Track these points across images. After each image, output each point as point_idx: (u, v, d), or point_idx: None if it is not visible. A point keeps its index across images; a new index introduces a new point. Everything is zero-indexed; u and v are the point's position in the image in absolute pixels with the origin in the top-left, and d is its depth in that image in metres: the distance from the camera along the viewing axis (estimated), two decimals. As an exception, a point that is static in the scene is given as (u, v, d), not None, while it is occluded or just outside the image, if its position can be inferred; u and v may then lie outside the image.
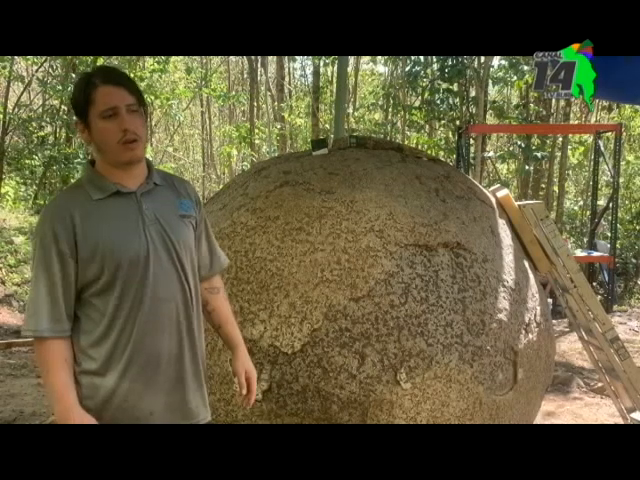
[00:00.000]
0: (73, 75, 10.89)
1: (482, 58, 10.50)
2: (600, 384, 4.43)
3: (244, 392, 1.73)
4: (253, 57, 14.21)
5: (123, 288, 1.53)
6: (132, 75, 10.45)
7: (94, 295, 1.55)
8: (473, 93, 11.34)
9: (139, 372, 1.55)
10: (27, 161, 11.65)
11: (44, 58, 10.93)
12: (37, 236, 1.54)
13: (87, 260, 1.52)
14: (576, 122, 13.39)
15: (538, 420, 3.27)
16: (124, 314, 1.54)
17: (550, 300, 5.76)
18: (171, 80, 15.84)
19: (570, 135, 12.86)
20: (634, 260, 11.34)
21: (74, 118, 1.61)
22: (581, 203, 14.24)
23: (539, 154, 10.36)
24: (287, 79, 17.13)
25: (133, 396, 1.55)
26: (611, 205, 7.94)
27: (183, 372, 1.63)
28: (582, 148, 13.12)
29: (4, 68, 10.53)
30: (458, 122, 10.70)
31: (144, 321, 1.55)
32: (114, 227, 1.54)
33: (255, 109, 16.17)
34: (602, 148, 8.18)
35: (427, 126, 13.49)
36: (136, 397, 1.56)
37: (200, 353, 1.70)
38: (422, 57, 10.83)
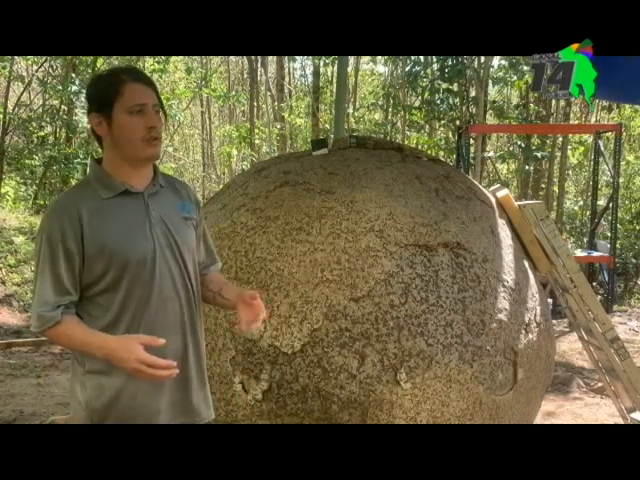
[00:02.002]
0: (73, 75, 10.90)
1: (482, 58, 10.50)
2: (600, 384, 4.43)
3: (256, 299, 1.59)
4: (253, 57, 14.21)
5: (129, 287, 1.54)
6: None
7: (98, 294, 1.55)
8: (473, 93, 11.34)
9: None
10: (27, 161, 11.66)
11: (44, 58, 10.93)
12: (43, 232, 1.53)
13: (93, 258, 1.52)
14: (576, 122, 13.39)
15: (538, 420, 3.27)
16: (130, 313, 1.54)
17: (550, 300, 5.75)
18: (171, 80, 15.86)
19: (570, 135, 12.86)
20: (634, 260, 11.34)
21: (88, 112, 1.59)
22: (581, 203, 14.24)
23: (539, 154, 10.36)
24: (287, 79, 17.13)
25: (141, 395, 1.56)
26: (611, 205, 7.94)
27: (188, 370, 1.64)
28: (582, 148, 13.13)
29: (4, 68, 10.53)
30: (458, 122, 10.70)
31: (151, 320, 1.56)
32: (122, 226, 1.55)
33: (255, 109, 16.17)
34: (602, 148, 8.17)
35: (427, 126, 13.49)
36: (144, 396, 1.56)
37: (203, 352, 1.72)
38: (422, 57, 10.83)
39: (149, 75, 1.72)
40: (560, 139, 12.94)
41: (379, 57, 14.51)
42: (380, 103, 14.31)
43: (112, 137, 1.57)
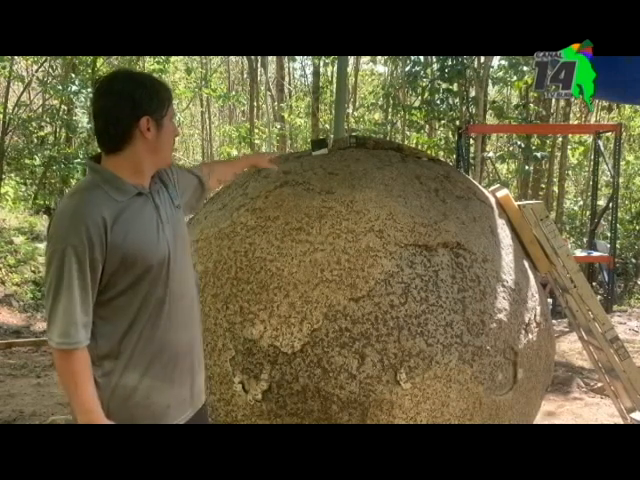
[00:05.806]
0: (73, 75, 10.90)
1: (482, 58, 10.51)
2: (600, 384, 4.43)
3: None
4: (253, 57, 14.21)
5: (149, 289, 1.53)
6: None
7: (115, 297, 1.52)
8: (473, 93, 11.34)
9: (161, 369, 1.57)
10: (27, 161, 11.67)
11: (44, 58, 10.94)
12: (66, 242, 1.42)
13: (113, 264, 1.48)
14: (576, 122, 13.40)
15: (538, 420, 3.26)
16: (146, 314, 1.54)
17: (550, 300, 5.76)
18: (171, 80, 15.86)
19: (570, 135, 12.87)
20: (634, 260, 11.35)
21: (133, 115, 1.52)
22: (581, 203, 14.26)
23: (539, 154, 10.37)
24: (287, 79, 17.14)
25: (154, 393, 1.57)
26: (611, 205, 7.94)
27: (194, 361, 1.67)
28: (582, 148, 13.15)
29: (4, 68, 10.53)
30: (458, 122, 10.70)
31: (166, 320, 1.56)
32: (141, 231, 1.53)
33: (255, 109, 16.18)
34: (602, 148, 8.17)
35: (427, 126, 13.49)
36: (157, 393, 1.57)
37: (201, 341, 1.76)
38: (422, 57, 10.84)
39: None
40: (560, 139, 12.95)
41: (379, 57, 14.53)
42: (380, 103, 14.31)
43: (155, 142, 1.56)
